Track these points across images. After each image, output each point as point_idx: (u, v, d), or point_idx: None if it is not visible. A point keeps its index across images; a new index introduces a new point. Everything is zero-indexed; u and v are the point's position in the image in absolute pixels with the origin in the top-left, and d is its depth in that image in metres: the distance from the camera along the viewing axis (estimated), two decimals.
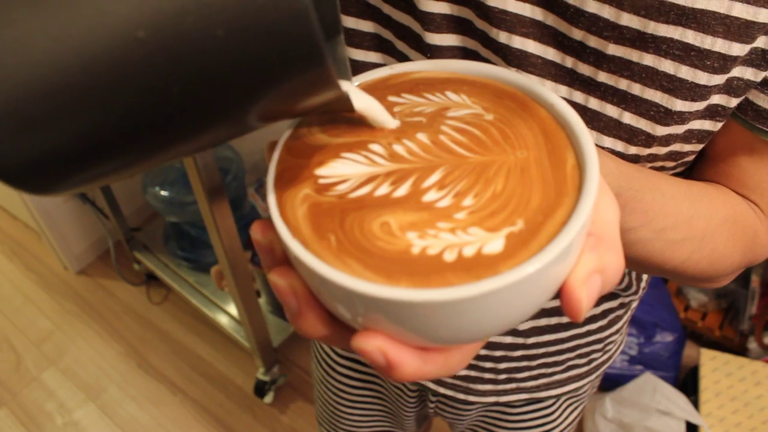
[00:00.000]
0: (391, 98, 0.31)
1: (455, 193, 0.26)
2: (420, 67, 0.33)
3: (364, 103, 0.27)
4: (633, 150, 0.41)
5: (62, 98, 0.20)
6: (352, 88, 0.25)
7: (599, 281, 0.25)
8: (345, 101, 0.24)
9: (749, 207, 0.45)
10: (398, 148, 0.28)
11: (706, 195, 0.43)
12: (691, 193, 0.42)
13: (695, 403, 1.47)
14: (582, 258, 0.25)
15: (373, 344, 0.23)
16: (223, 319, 1.70)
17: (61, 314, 1.91)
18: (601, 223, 0.26)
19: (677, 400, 1.43)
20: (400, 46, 0.44)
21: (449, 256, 0.23)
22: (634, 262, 0.42)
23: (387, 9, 0.43)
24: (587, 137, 0.26)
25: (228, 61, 0.20)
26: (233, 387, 1.72)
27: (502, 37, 0.39)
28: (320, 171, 0.27)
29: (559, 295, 0.25)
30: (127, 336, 1.85)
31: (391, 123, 0.28)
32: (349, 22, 0.44)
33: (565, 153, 0.27)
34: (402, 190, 0.26)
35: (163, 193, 1.60)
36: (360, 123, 0.30)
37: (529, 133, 0.28)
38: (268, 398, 1.66)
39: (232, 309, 1.69)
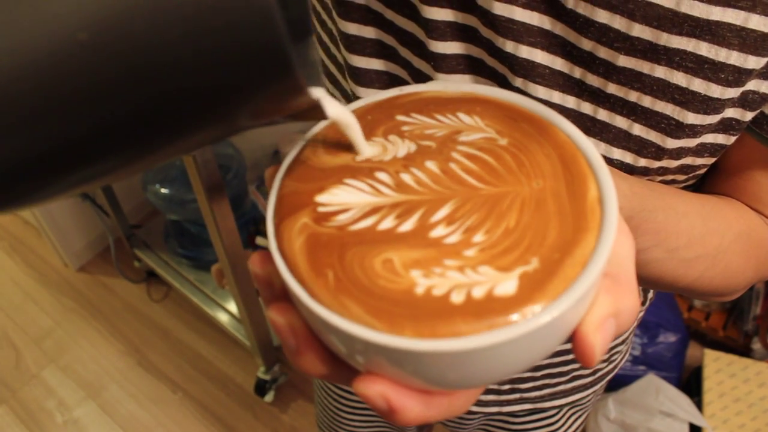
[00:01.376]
0: (400, 117, 0.29)
1: (465, 228, 0.24)
2: (431, 87, 0.31)
3: (337, 111, 0.25)
4: (642, 162, 0.40)
5: None
6: (323, 95, 0.24)
7: (614, 326, 0.24)
8: (316, 109, 0.23)
9: (763, 222, 0.44)
10: (406, 177, 0.26)
11: (719, 211, 0.42)
12: (705, 209, 0.41)
13: (699, 405, 1.46)
14: (597, 302, 0.23)
15: (375, 390, 0.22)
16: (223, 318, 1.69)
17: (61, 312, 1.90)
18: (617, 262, 0.25)
19: (680, 401, 1.42)
20: (404, 52, 0.43)
21: (457, 298, 0.21)
22: (646, 281, 0.41)
23: (390, 15, 0.41)
24: (605, 171, 0.25)
25: (183, 68, 0.18)
26: (234, 385, 1.72)
27: (509, 46, 0.38)
28: (321, 198, 0.26)
29: (572, 340, 0.23)
30: (128, 334, 1.84)
31: (366, 149, 0.26)
32: (351, 28, 0.43)
33: (585, 183, 0.25)
34: (408, 225, 0.24)
35: (164, 190, 1.60)
36: (369, 144, 0.28)
37: (546, 160, 0.26)
38: (269, 397, 1.66)
39: (233, 307, 1.68)
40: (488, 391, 0.60)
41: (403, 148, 0.28)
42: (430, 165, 0.26)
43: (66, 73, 0.18)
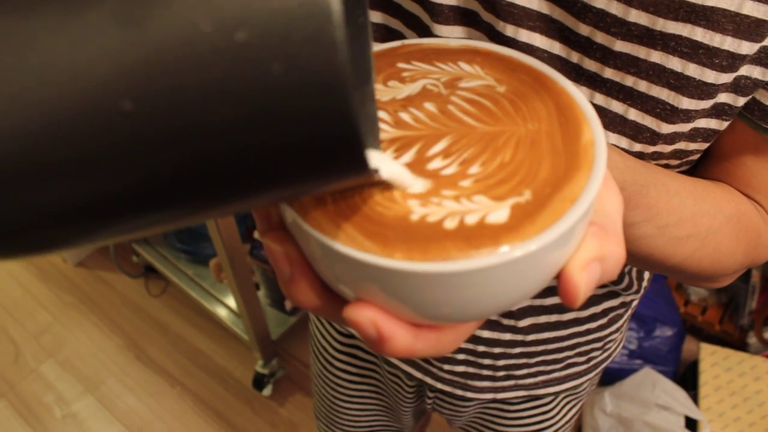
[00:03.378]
0: (401, 65, 0.30)
1: (461, 160, 0.25)
2: (434, 40, 0.32)
3: (391, 172, 0.24)
4: (638, 147, 0.40)
5: (19, 171, 0.16)
6: (380, 159, 0.23)
7: (599, 269, 0.24)
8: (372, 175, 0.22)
9: (754, 207, 0.45)
10: (404, 116, 0.27)
11: (711, 193, 0.42)
12: (696, 190, 0.41)
13: (695, 398, 1.47)
14: (583, 244, 0.24)
15: (365, 315, 0.23)
16: (221, 312, 1.69)
17: (59, 306, 1.90)
18: (604, 215, 0.26)
19: (677, 394, 1.42)
20: (410, 35, 0.44)
21: (450, 224, 0.22)
22: (636, 258, 0.42)
23: None
24: (597, 120, 0.26)
25: (233, 149, 0.17)
26: (232, 380, 1.72)
27: (509, 30, 0.39)
28: None
29: (557, 281, 0.24)
30: (126, 328, 1.84)
31: (418, 185, 0.26)
32: None
33: (579, 127, 0.26)
34: (406, 158, 0.25)
35: None
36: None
37: (542, 106, 0.27)
38: (267, 391, 1.66)
39: (231, 302, 1.69)
40: (483, 378, 0.61)
41: (403, 91, 0.28)
42: (429, 106, 0.27)
43: (107, 137, 0.16)
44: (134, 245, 1.85)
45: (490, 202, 0.23)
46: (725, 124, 0.40)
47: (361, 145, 0.17)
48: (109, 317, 1.87)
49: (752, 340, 1.62)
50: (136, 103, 0.16)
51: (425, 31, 0.42)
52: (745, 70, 0.37)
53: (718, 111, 0.39)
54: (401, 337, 0.23)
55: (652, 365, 1.55)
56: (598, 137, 0.25)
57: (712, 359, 1.53)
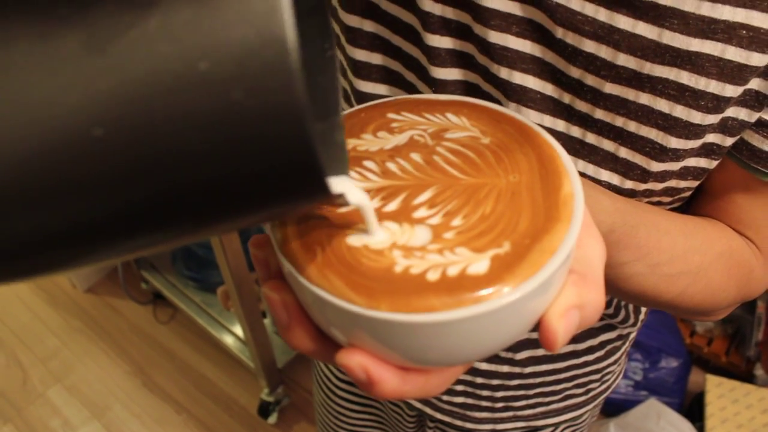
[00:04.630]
0: (391, 115, 0.31)
1: (445, 212, 0.26)
2: (425, 95, 0.33)
3: (359, 199, 0.25)
4: (629, 184, 0.41)
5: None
6: (346, 185, 0.24)
7: (577, 317, 0.25)
8: (339, 199, 0.23)
9: (745, 243, 0.45)
10: (391, 166, 0.28)
11: (702, 230, 0.43)
12: (687, 227, 0.42)
13: (701, 430, 1.45)
14: (563, 292, 0.25)
15: (355, 361, 0.24)
16: (228, 340, 1.70)
17: (68, 332, 1.92)
18: (585, 262, 0.27)
19: (682, 426, 1.41)
20: (410, 77, 0.45)
21: (433, 276, 0.23)
22: (629, 296, 0.42)
23: (397, 41, 0.44)
24: (576, 174, 0.27)
25: (202, 175, 0.18)
26: (237, 407, 1.73)
27: (503, 72, 0.40)
28: None
29: (538, 327, 0.25)
30: (133, 355, 1.85)
31: (377, 232, 0.26)
32: (360, 54, 0.45)
33: (560, 180, 0.27)
34: (392, 206, 0.26)
35: None
36: (358, 139, 0.30)
37: (524, 158, 0.28)
38: (272, 419, 1.66)
39: (238, 329, 1.70)
40: (482, 409, 0.62)
41: (391, 141, 0.30)
42: (415, 156, 0.29)
43: (81, 163, 0.17)
44: (143, 272, 1.87)
45: (471, 254, 0.24)
46: (714, 162, 0.41)
47: (321, 172, 0.18)
48: (117, 343, 1.89)
49: (759, 372, 1.61)
50: (107, 129, 0.16)
51: (423, 73, 0.44)
52: (732, 112, 0.38)
53: (707, 150, 0.40)
54: (389, 381, 0.24)
55: (658, 396, 1.54)
56: (576, 190, 0.26)
57: (719, 391, 1.52)
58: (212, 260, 1.70)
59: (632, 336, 0.62)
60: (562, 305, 0.25)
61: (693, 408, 1.57)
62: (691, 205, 0.48)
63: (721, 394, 1.52)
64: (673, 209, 0.46)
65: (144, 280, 1.91)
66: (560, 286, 0.25)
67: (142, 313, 1.96)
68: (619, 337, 0.59)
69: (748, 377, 1.62)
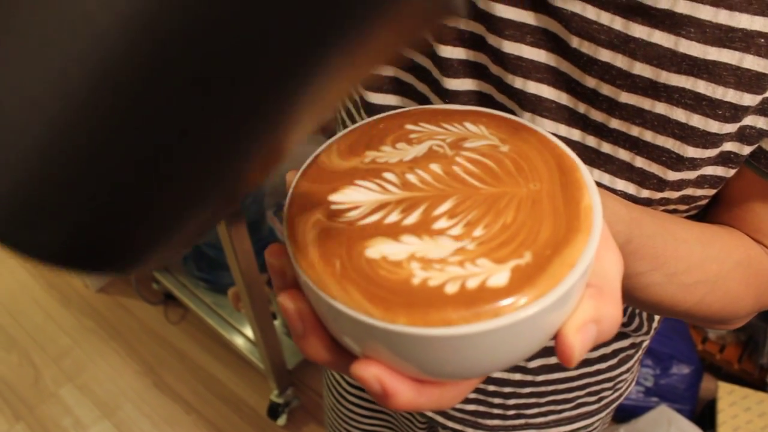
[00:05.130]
0: (409, 126, 0.31)
1: (466, 222, 0.26)
2: (442, 105, 0.33)
3: None
4: (645, 193, 0.41)
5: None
6: None
7: (594, 330, 0.25)
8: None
9: (763, 252, 0.45)
10: (411, 177, 0.28)
11: (719, 239, 0.43)
12: (704, 236, 0.42)
13: None
14: (580, 306, 0.25)
15: (371, 372, 0.24)
16: (238, 341, 1.71)
17: (80, 331, 1.93)
18: (603, 275, 0.26)
19: None
20: (422, 88, 0.45)
21: (451, 288, 0.23)
22: (646, 305, 0.42)
23: (408, 52, 0.44)
24: (594, 186, 0.27)
25: None
26: (247, 408, 1.73)
27: (518, 82, 0.40)
28: (333, 197, 0.28)
29: (554, 341, 0.25)
30: (144, 355, 1.87)
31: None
32: None
33: (580, 190, 0.26)
34: (412, 218, 0.26)
35: None
36: (377, 151, 0.30)
37: (544, 166, 0.28)
38: (281, 420, 1.67)
39: (248, 331, 1.70)
40: (493, 416, 0.61)
41: (410, 152, 0.30)
42: (434, 167, 0.29)
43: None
44: (155, 273, 1.88)
45: (492, 265, 0.24)
46: (732, 171, 0.41)
47: None
48: (128, 343, 1.90)
49: None
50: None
51: (435, 85, 0.43)
52: (750, 120, 0.38)
53: (724, 159, 0.40)
54: (404, 393, 0.24)
55: (669, 403, 1.53)
56: (595, 202, 0.26)
57: (731, 398, 1.51)
58: (223, 261, 1.71)
59: (645, 344, 0.62)
60: (579, 319, 0.25)
61: (704, 415, 1.56)
62: (708, 213, 0.48)
63: (733, 402, 1.50)
64: (689, 217, 0.46)
65: (155, 280, 1.92)
66: (578, 300, 0.25)
67: (153, 313, 1.98)
68: (632, 346, 0.59)
69: (761, 385, 1.61)
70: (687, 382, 1.56)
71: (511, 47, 0.39)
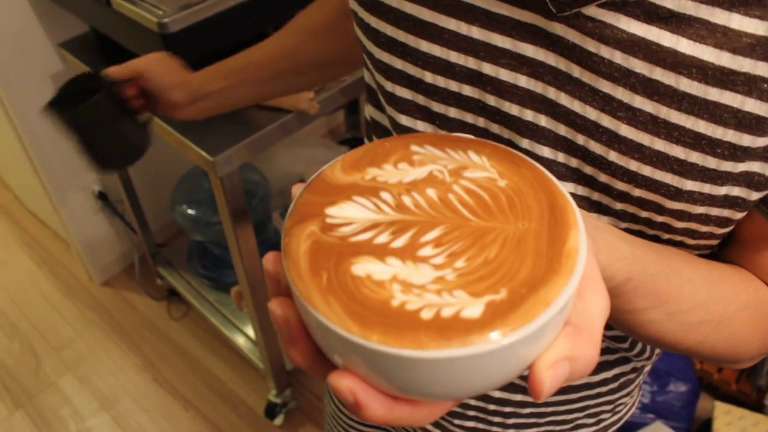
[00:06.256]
0: (414, 147, 0.32)
1: (450, 252, 0.26)
2: (452, 134, 0.34)
3: None
4: (645, 215, 0.41)
5: None
6: None
7: (567, 369, 0.25)
8: None
9: None
10: (406, 200, 0.29)
11: (728, 279, 0.43)
12: (712, 276, 0.42)
13: None
14: (555, 343, 0.26)
15: (345, 384, 0.25)
16: (239, 340, 1.72)
17: (83, 323, 1.95)
18: (585, 316, 0.27)
19: None
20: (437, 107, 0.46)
21: (427, 314, 0.24)
22: (648, 340, 0.42)
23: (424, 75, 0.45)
24: (583, 228, 0.28)
25: None
26: (245, 407, 1.74)
27: (514, 109, 0.41)
28: (330, 211, 0.29)
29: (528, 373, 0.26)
30: (145, 349, 1.88)
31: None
32: (389, 86, 0.47)
33: (567, 232, 0.27)
34: (400, 241, 0.27)
35: (190, 211, 1.64)
36: (379, 169, 0.31)
37: (536, 205, 0.28)
38: (278, 420, 1.68)
39: (250, 330, 1.71)
40: None
41: (410, 174, 0.30)
42: (431, 192, 0.29)
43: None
44: (159, 268, 1.89)
45: (468, 297, 0.24)
46: (739, 214, 0.41)
47: None
48: (130, 337, 1.91)
49: None
50: None
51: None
52: (758, 167, 0.37)
53: (730, 203, 0.40)
54: (376, 408, 0.25)
55: (665, 420, 1.54)
56: (582, 245, 0.27)
57: (727, 419, 1.52)
58: (227, 260, 1.72)
59: (647, 369, 0.62)
60: (552, 356, 0.25)
61: None
62: (722, 251, 0.47)
63: (729, 422, 1.51)
64: (702, 256, 0.45)
65: (159, 276, 1.93)
66: (553, 337, 0.26)
67: (156, 308, 1.99)
68: (633, 370, 0.59)
69: (757, 407, 1.61)
70: (684, 400, 1.56)
71: (507, 75, 0.40)
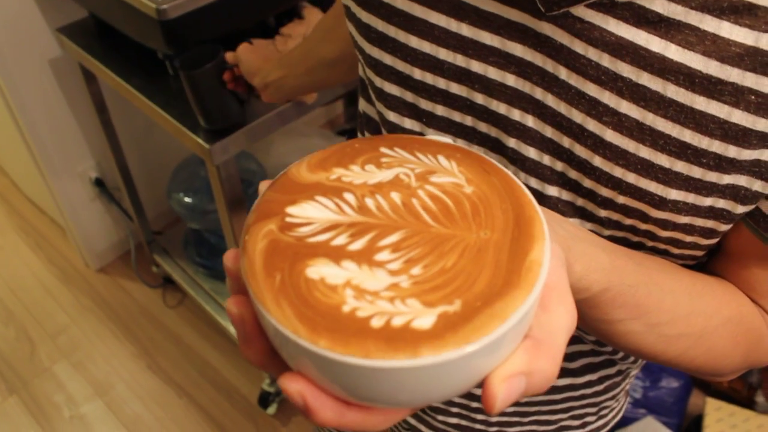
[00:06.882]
0: (383, 149, 0.31)
1: (407, 258, 0.26)
2: (429, 137, 0.33)
3: None
4: (629, 222, 0.41)
5: None
6: None
7: (523, 384, 0.25)
8: None
9: (757, 310, 0.44)
10: (369, 202, 0.28)
11: (711, 292, 0.42)
12: (695, 288, 0.41)
13: None
14: (512, 357, 0.25)
15: (295, 388, 0.25)
16: (234, 328, 1.72)
17: (78, 309, 1.95)
18: (547, 329, 0.26)
19: None
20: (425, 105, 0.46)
21: (377, 323, 0.23)
22: (626, 351, 0.42)
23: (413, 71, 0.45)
24: (548, 241, 0.27)
25: None
26: (238, 395, 1.75)
27: (502, 108, 0.40)
28: (291, 210, 0.28)
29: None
30: (140, 336, 1.88)
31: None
32: (378, 82, 0.47)
33: (531, 244, 0.26)
34: (357, 244, 0.26)
35: (187, 199, 1.64)
36: (345, 170, 0.30)
37: (501, 215, 0.27)
38: (272, 409, 1.68)
39: None
40: (476, 431, 0.62)
41: (377, 176, 0.30)
42: (394, 195, 0.29)
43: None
44: (155, 256, 1.90)
45: (420, 307, 0.24)
46: (724, 227, 0.40)
47: None
48: (125, 324, 1.91)
49: (760, 398, 1.60)
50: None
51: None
52: (745, 182, 0.37)
53: (715, 214, 0.39)
54: (326, 412, 0.25)
55: (656, 416, 1.54)
56: (545, 258, 0.26)
57: (718, 415, 1.52)
58: (223, 248, 1.72)
59: (633, 373, 0.62)
60: (507, 370, 0.25)
61: (690, 430, 1.57)
62: (708, 262, 0.47)
63: (720, 419, 1.51)
64: (690, 266, 0.45)
65: (155, 263, 1.93)
66: (510, 351, 0.25)
67: (152, 296, 1.99)
68: (619, 373, 0.59)
69: (748, 403, 1.62)
70: (675, 395, 1.57)
71: (495, 74, 0.40)
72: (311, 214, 0.28)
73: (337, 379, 0.24)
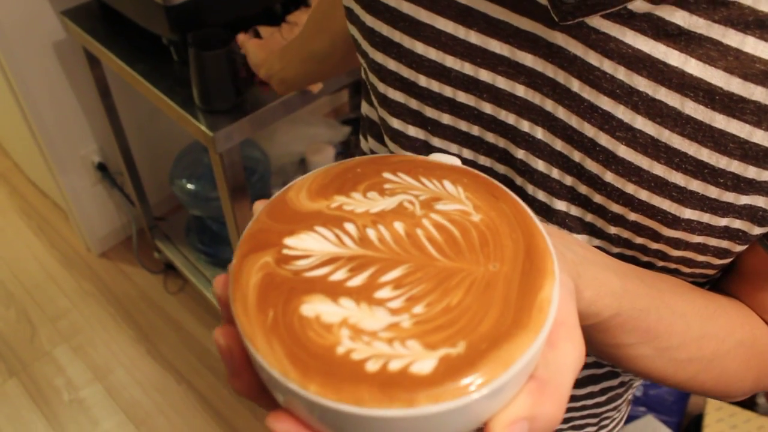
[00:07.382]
0: (386, 174, 0.30)
1: (409, 296, 0.24)
2: (433, 157, 0.31)
3: None
4: (639, 241, 0.40)
5: None
6: None
7: (526, 429, 0.24)
8: None
9: None
10: (371, 233, 0.27)
11: (724, 314, 0.41)
12: (707, 311, 0.40)
13: None
14: (516, 400, 0.24)
15: (281, 428, 0.24)
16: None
17: (79, 294, 1.95)
18: (553, 368, 0.25)
19: None
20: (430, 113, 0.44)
21: (372, 367, 0.22)
22: (635, 374, 0.41)
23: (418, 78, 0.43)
24: (558, 281, 0.25)
25: None
26: None
27: (511, 119, 0.39)
28: (288, 241, 0.27)
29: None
30: (140, 322, 1.88)
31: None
32: (382, 88, 0.45)
33: (542, 279, 0.24)
34: (357, 280, 0.25)
35: (190, 186, 1.64)
36: (347, 197, 0.29)
37: (511, 245, 0.26)
38: None
39: None
40: None
41: (379, 204, 0.28)
42: (398, 225, 0.27)
43: None
44: (157, 242, 1.89)
45: (421, 349, 0.22)
46: (739, 247, 0.39)
47: None
48: (126, 309, 1.91)
49: (761, 400, 1.60)
50: None
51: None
52: (763, 203, 0.36)
53: (731, 235, 0.38)
54: None
55: (656, 414, 1.54)
56: (555, 295, 0.24)
57: (718, 415, 1.52)
58: (225, 236, 1.72)
59: (635, 384, 0.61)
60: (511, 415, 0.23)
61: (690, 430, 1.57)
62: (722, 281, 0.45)
63: (720, 419, 1.51)
64: (700, 284, 0.44)
65: (157, 249, 1.93)
66: (512, 395, 0.24)
67: (153, 282, 1.99)
68: (621, 384, 0.58)
69: (749, 404, 1.61)
70: (676, 394, 1.57)
71: (504, 83, 0.38)
72: (310, 246, 0.26)
73: (327, 424, 0.23)
